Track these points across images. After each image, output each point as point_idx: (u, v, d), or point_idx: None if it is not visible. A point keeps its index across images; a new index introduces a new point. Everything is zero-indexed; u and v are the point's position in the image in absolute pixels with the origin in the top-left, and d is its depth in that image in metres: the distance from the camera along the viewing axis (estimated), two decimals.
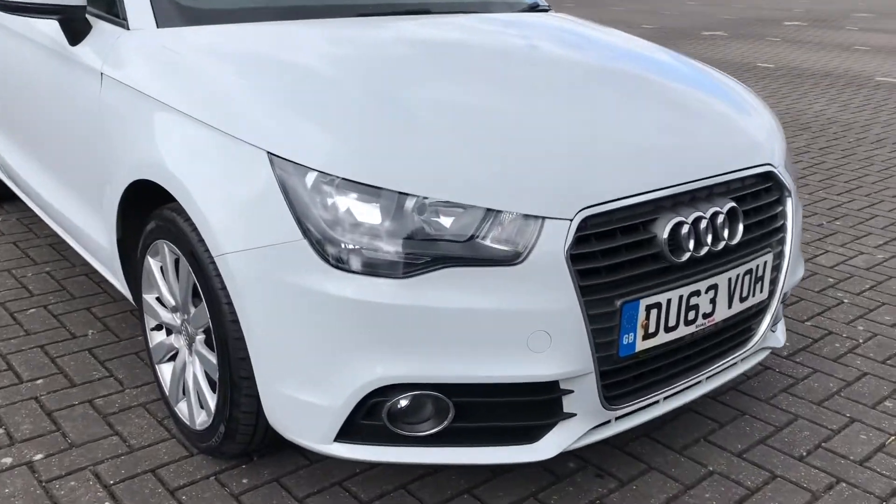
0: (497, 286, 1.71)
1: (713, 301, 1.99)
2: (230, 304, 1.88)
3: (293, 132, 1.82)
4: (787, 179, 2.21)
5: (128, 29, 2.33)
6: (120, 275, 2.44)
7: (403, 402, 1.77)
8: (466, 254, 1.72)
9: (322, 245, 1.73)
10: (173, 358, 2.30)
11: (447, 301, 1.69)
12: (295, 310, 1.75)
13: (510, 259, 1.72)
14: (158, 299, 2.29)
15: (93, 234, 2.54)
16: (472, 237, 1.73)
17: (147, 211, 2.29)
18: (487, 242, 1.73)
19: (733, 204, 2.01)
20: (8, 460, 2.17)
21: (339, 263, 1.72)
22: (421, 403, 1.79)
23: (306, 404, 1.79)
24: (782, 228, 2.21)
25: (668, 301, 1.89)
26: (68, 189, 2.68)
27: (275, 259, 1.76)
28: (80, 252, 2.80)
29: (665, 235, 1.86)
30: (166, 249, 2.12)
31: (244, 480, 2.11)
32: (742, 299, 2.08)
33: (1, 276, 3.26)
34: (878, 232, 4.05)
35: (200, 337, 2.10)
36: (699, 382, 2.11)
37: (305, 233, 1.73)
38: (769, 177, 2.18)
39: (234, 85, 2.00)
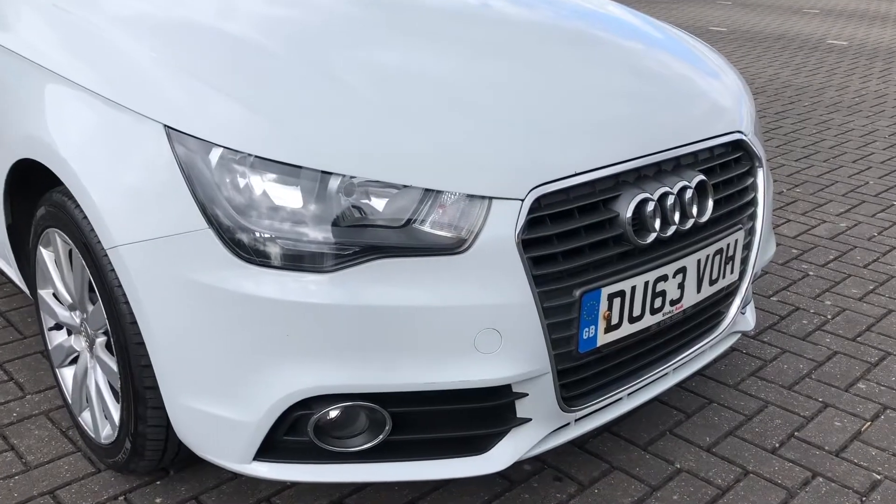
0: (439, 279, 1.47)
1: (681, 286, 1.78)
2: (128, 303, 1.61)
3: (195, 102, 1.54)
4: (758, 148, 2.00)
5: None
6: (13, 266, 2.15)
7: (332, 415, 1.53)
8: (402, 242, 1.47)
9: (231, 235, 1.47)
10: (75, 361, 2.03)
11: (381, 298, 1.45)
12: (200, 311, 1.49)
13: (453, 247, 1.48)
14: (55, 295, 2.01)
15: None
16: (408, 222, 1.48)
17: (38, 195, 2.00)
18: (426, 228, 1.48)
19: (702, 177, 1.79)
20: None
21: (252, 256, 1.46)
22: (352, 415, 1.55)
23: (219, 419, 1.54)
24: (753, 202, 2.00)
25: (633, 288, 1.67)
26: None
27: (174, 252, 1.49)
28: None
29: (628, 214, 1.64)
30: (58, 239, 1.83)
31: (157, 500, 1.86)
32: (712, 282, 1.88)
33: None
34: (840, 199, 3.90)
35: (101, 339, 1.83)
36: (665, 375, 1.90)
37: (210, 221, 1.47)
38: (739, 146, 1.97)
39: (129, 49, 1.70)
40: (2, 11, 1.99)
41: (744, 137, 1.95)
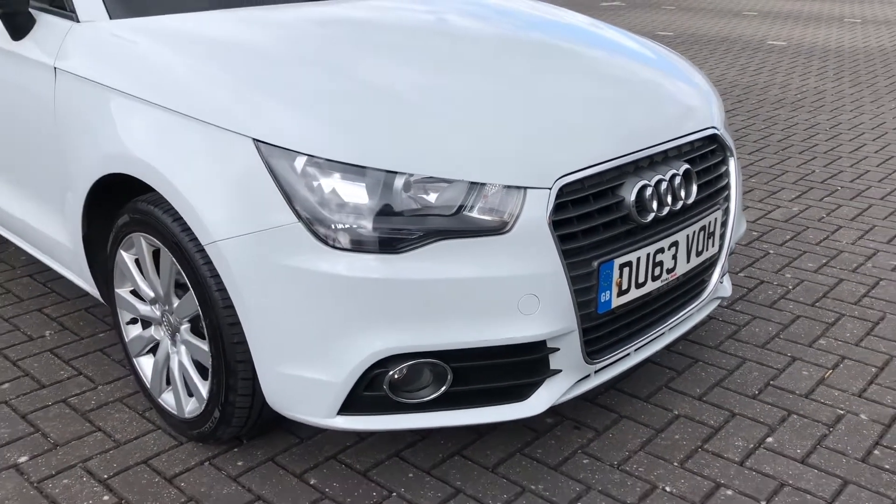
0: (487, 255, 1.81)
1: (675, 257, 2.15)
2: (222, 290, 1.91)
3: (278, 118, 1.86)
4: (728, 141, 2.38)
5: (78, 21, 2.30)
6: (86, 272, 2.42)
7: (403, 372, 1.85)
8: (456, 226, 1.80)
9: (315, 226, 1.78)
10: (153, 350, 2.31)
11: (441, 273, 1.78)
12: (293, 291, 1.80)
13: (498, 228, 1.82)
14: (133, 292, 2.29)
15: (51, 233, 2.50)
16: (458, 210, 1.82)
17: (113, 205, 2.28)
18: (475, 214, 1.82)
19: (687, 166, 2.16)
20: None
21: (334, 243, 1.78)
22: (420, 371, 1.87)
23: (309, 381, 1.85)
24: (727, 187, 2.38)
25: (638, 259, 2.03)
26: (18, 189, 2.62)
27: (269, 243, 1.80)
28: (34, 253, 2.74)
29: (632, 198, 2.00)
30: (143, 242, 2.12)
31: (239, 462, 2.16)
32: (698, 254, 2.25)
33: None
34: (790, 186, 4.33)
35: (186, 326, 2.12)
36: (663, 334, 2.26)
37: (298, 215, 1.79)
38: (714, 139, 2.34)
39: (210, 74, 2.01)
40: (78, 45, 2.27)
41: (717, 132, 2.33)
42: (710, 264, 2.36)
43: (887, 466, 2.15)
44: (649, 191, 2.02)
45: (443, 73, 2.13)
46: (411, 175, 1.80)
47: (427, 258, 1.78)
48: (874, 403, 2.42)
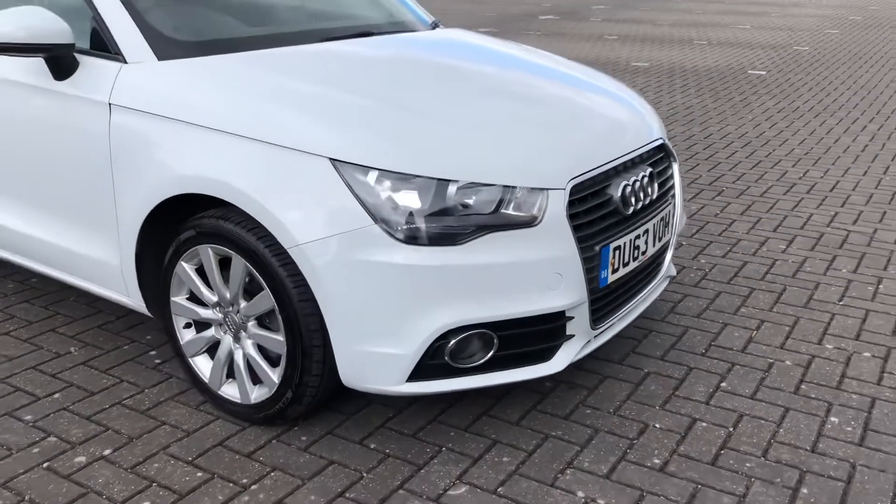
0: (523, 244, 2.28)
1: (646, 241, 2.69)
2: (298, 286, 2.28)
3: (349, 139, 2.25)
4: (672, 149, 2.96)
5: (126, 62, 2.60)
6: (135, 287, 2.69)
7: (460, 341, 2.28)
8: (497, 221, 2.26)
9: (387, 226, 2.19)
10: (210, 349, 2.62)
11: (490, 259, 2.24)
12: (370, 281, 2.20)
13: (530, 222, 2.29)
14: (189, 299, 2.60)
15: (96, 255, 2.75)
16: (497, 208, 2.27)
17: (164, 225, 2.59)
18: (510, 211, 2.28)
19: (651, 169, 2.71)
20: (81, 458, 2.40)
21: (404, 240, 2.19)
22: (472, 341, 2.31)
23: (382, 356, 2.25)
24: (674, 186, 2.95)
25: (624, 243, 2.55)
26: (56, 218, 2.84)
27: (349, 243, 2.20)
28: (60, 277, 2.95)
29: (618, 195, 2.52)
30: (210, 252, 2.45)
31: (302, 438, 2.51)
32: (659, 239, 2.80)
33: None
34: (687, 189, 5.04)
35: (252, 323, 2.46)
36: (637, 306, 2.80)
37: (374, 218, 2.19)
38: (663, 147, 2.91)
39: (279, 105, 2.37)
40: (134, 83, 2.56)
41: (665, 141, 2.91)
42: (664, 248, 2.92)
43: (813, 395, 2.77)
44: (629, 189, 2.56)
45: (468, 100, 2.59)
46: (459, 182, 2.24)
47: (479, 248, 2.23)
48: (794, 352, 3.05)
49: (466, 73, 2.88)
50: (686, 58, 10.26)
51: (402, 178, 2.22)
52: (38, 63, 2.74)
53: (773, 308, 3.41)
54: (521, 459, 2.42)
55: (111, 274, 2.75)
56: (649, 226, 2.68)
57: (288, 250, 2.25)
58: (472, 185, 2.27)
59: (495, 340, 2.32)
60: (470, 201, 2.26)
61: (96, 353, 3.01)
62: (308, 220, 2.23)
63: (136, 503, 2.22)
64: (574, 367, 2.92)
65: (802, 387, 2.82)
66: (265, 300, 2.37)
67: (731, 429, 2.58)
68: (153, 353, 3.02)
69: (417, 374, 2.29)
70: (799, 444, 2.50)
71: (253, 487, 2.29)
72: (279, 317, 2.35)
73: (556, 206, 2.33)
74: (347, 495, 2.26)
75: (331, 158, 2.24)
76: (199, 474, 2.34)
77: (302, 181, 2.25)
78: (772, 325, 3.27)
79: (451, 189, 2.24)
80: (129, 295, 2.75)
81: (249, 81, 2.50)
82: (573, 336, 2.46)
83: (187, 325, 2.66)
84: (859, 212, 4.60)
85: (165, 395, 2.74)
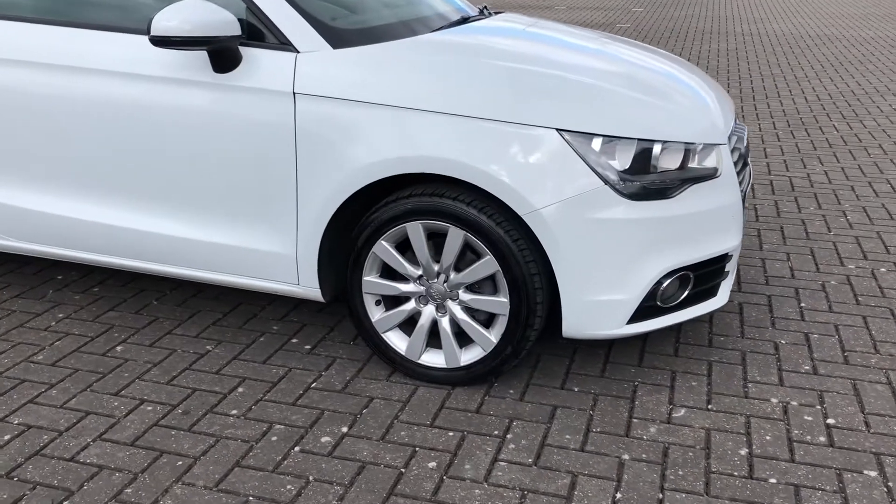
0: (712, 192, 2.63)
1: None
2: (524, 250, 2.49)
3: (573, 110, 2.49)
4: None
5: (297, 52, 2.64)
6: (311, 274, 2.74)
7: (670, 283, 2.60)
8: (691, 175, 2.59)
9: (614, 185, 2.46)
10: (406, 324, 2.74)
11: (695, 208, 2.57)
12: (601, 236, 2.46)
13: (713, 174, 2.64)
14: (381, 275, 2.71)
15: (261, 247, 2.76)
16: (683, 165, 2.60)
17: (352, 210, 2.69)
18: (697, 165, 2.62)
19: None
20: (328, 439, 2.46)
21: (629, 196, 2.47)
22: (675, 282, 2.63)
23: (608, 303, 2.52)
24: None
25: None
26: (209, 215, 2.80)
27: (583, 203, 2.44)
28: (205, 278, 2.91)
29: (743, 148, 2.94)
30: (420, 228, 2.58)
31: (510, 391, 2.72)
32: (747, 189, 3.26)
33: (26, 333, 3.10)
34: None
35: (463, 290, 2.62)
36: None
37: (605, 180, 2.45)
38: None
39: (497, 84, 2.55)
40: (322, 72, 2.61)
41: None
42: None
43: (729, 346, 3.36)
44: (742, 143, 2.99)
45: (629, 70, 2.89)
46: (660, 142, 2.55)
47: (686, 199, 2.56)
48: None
49: (602, 50, 3.14)
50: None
51: (623, 142, 2.50)
52: (190, 57, 2.70)
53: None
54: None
55: (282, 264, 2.78)
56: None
57: (523, 216, 2.46)
58: (667, 143, 2.57)
59: (691, 280, 2.66)
60: (667, 158, 2.57)
61: (236, 349, 3.00)
62: (543, 187, 2.44)
63: (420, 465, 2.34)
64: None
65: (714, 336, 3.40)
66: (486, 266, 2.55)
67: (704, 377, 3.09)
68: (295, 340, 3.06)
69: (634, 317, 2.59)
70: None
71: (509, 436, 2.48)
72: (504, 279, 2.54)
73: (725, 159, 2.70)
74: (593, 430, 2.51)
75: (558, 129, 2.47)
76: (451, 434, 2.49)
77: (532, 152, 2.46)
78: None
79: (657, 148, 2.54)
80: (301, 283, 2.80)
81: (448, 64, 2.65)
82: (728, 273, 2.85)
83: (376, 303, 2.76)
84: None
85: (348, 374, 2.82)
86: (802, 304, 3.35)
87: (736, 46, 10.31)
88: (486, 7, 3.85)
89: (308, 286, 2.80)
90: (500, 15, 3.67)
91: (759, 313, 3.27)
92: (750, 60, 9.30)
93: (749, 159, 3.30)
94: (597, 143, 2.49)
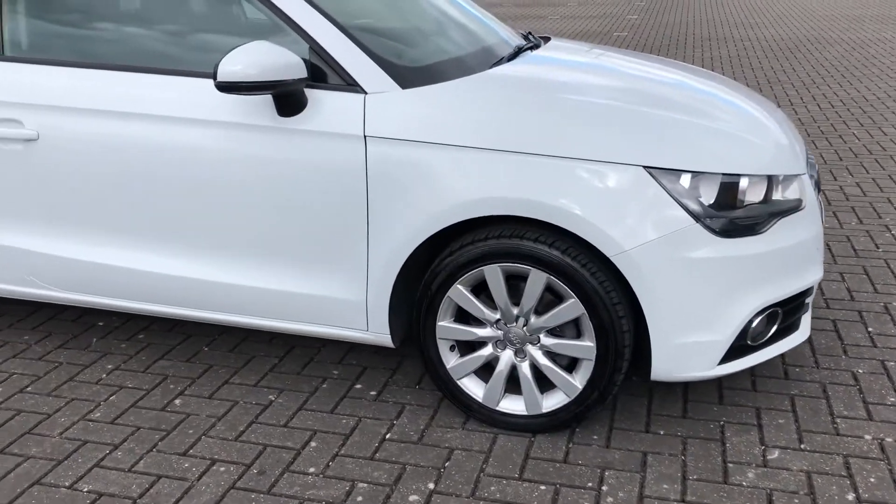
0: (798, 225, 2.55)
1: None
2: (611, 292, 2.40)
3: (659, 146, 2.40)
4: None
5: (366, 93, 2.54)
6: (381, 320, 2.64)
7: (760, 321, 2.52)
8: (775, 209, 2.51)
9: (705, 223, 2.38)
10: (482, 369, 2.64)
11: (783, 242, 2.49)
12: (693, 275, 2.37)
13: (797, 207, 2.56)
14: (456, 320, 2.60)
15: (329, 294, 2.66)
16: (766, 198, 2.51)
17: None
18: (781, 197, 2.54)
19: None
20: (415, 497, 2.36)
21: (720, 233, 2.39)
22: (765, 319, 2.55)
23: (699, 344, 2.43)
24: None
25: None
26: (273, 262, 2.69)
27: (674, 242, 2.35)
28: (283, 327, 2.80)
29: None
30: (499, 271, 2.48)
31: (594, 437, 2.62)
32: None
33: (78, 387, 2.98)
34: None
35: (544, 334, 2.53)
36: None
37: (696, 218, 2.37)
38: None
39: (567, 119, 2.47)
40: (396, 113, 2.51)
41: None
42: None
43: None
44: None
45: (697, 102, 2.78)
46: (746, 176, 2.46)
47: (775, 234, 2.47)
48: None
49: (670, 80, 3.05)
50: None
51: (708, 177, 2.41)
52: (254, 100, 2.59)
53: None
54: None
55: (351, 311, 2.67)
56: None
57: (612, 258, 2.37)
58: (752, 177, 2.49)
59: (779, 316, 2.58)
60: (752, 191, 2.49)
61: (299, 398, 2.88)
62: (632, 226, 2.35)
63: None
64: None
65: None
66: (571, 309, 2.46)
67: None
68: (358, 386, 2.95)
69: (724, 357, 2.50)
70: None
71: (604, 488, 2.38)
72: (589, 323, 2.45)
73: (808, 190, 2.62)
74: (690, 477, 2.42)
75: (645, 166, 2.38)
76: (543, 487, 2.39)
77: (619, 191, 2.37)
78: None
79: (744, 182, 2.46)
80: (371, 329, 2.69)
81: (523, 101, 2.56)
82: (808, 305, 2.77)
83: (450, 349, 2.66)
84: None
85: (421, 423, 2.72)
86: (870, 329, 3.27)
87: (737, 53, 10.29)
88: (530, 33, 3.75)
89: (378, 332, 2.70)
90: (550, 43, 3.58)
91: (828, 340, 3.19)
92: (754, 67, 9.28)
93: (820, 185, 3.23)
94: (685, 180, 2.40)
